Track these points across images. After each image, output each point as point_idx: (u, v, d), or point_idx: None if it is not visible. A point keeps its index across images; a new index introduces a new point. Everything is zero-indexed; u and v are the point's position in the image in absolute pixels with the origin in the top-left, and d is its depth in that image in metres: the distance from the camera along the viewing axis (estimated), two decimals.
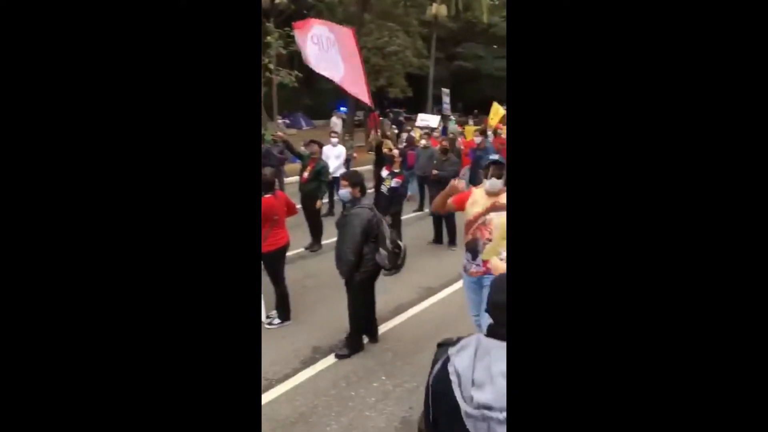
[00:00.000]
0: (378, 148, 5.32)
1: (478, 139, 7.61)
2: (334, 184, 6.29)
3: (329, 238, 5.34)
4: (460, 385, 1.02)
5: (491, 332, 1.07)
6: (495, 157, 2.89)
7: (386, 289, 4.38)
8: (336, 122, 13.36)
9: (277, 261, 3.77)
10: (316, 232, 5.71)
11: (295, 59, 11.89)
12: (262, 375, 3.02)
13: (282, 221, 3.80)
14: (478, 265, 2.84)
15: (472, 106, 20.46)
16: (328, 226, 5.36)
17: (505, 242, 2.43)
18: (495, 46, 23.69)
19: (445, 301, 4.44)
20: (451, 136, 8.87)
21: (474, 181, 6.73)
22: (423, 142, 7.41)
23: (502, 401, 0.96)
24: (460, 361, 1.05)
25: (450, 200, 2.89)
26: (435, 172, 6.01)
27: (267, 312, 3.86)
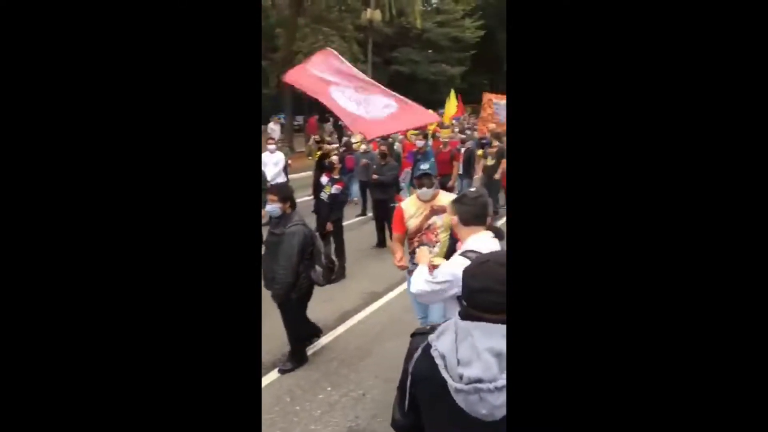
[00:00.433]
0: (322, 157, 5.24)
1: (420, 143, 7.73)
2: None
3: None
4: (446, 366, 1.09)
5: (466, 315, 1.15)
6: (425, 168, 2.96)
7: (331, 298, 4.32)
8: (274, 128, 13.02)
9: None
10: None
11: None
12: None
13: None
14: None
15: None
16: None
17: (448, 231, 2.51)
18: (430, 51, 24.26)
19: (390, 305, 4.45)
20: (390, 140, 8.95)
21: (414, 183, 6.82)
22: (363, 147, 7.40)
23: (490, 374, 1.04)
24: (442, 344, 1.12)
25: (395, 233, 2.95)
26: (375, 176, 6.04)
27: None
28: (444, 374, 1.09)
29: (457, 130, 10.60)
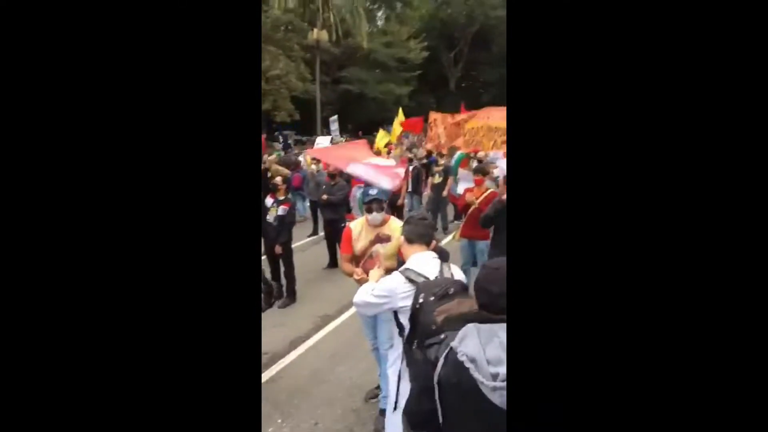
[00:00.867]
0: (271, 177, 5.11)
1: None
2: None
3: None
4: (477, 368, 1.11)
5: (484, 319, 1.19)
6: (373, 193, 2.92)
7: (282, 323, 4.19)
8: None
9: None
10: None
11: None
12: None
13: None
14: None
15: (361, 128, 21.00)
16: None
17: (393, 260, 2.49)
18: (377, 71, 24.69)
19: (342, 327, 4.37)
20: None
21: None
22: (313, 166, 7.33)
23: None
24: (469, 349, 1.15)
25: (342, 253, 2.92)
26: (325, 197, 5.99)
27: None
28: (476, 376, 1.11)
29: (405, 147, 10.79)
